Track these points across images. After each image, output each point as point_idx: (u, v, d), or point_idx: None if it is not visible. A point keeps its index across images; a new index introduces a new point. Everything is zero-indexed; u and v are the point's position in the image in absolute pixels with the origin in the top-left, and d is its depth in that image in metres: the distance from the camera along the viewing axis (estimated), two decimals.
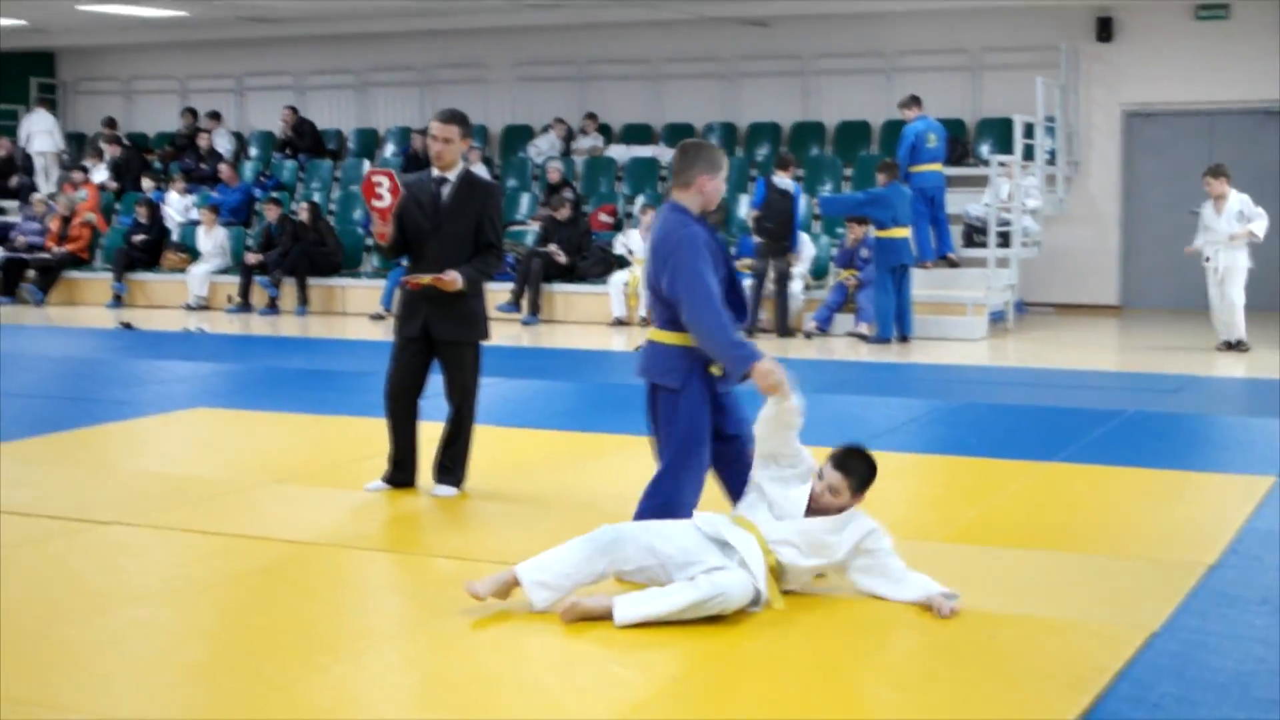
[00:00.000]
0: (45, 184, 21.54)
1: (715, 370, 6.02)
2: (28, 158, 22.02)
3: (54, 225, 19.77)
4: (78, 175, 20.72)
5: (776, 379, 5.79)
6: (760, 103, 19.23)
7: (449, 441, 7.65)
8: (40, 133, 21.80)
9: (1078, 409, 10.43)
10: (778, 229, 15.27)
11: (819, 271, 16.37)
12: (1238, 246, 13.75)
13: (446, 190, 7.53)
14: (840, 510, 5.74)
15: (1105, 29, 17.71)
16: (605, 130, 19.73)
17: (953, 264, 16.24)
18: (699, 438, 6.06)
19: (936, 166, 15.81)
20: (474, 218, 7.52)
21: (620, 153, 19.28)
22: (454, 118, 7.56)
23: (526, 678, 4.91)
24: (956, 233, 16.75)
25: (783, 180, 15.37)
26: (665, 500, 6.04)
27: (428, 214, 7.51)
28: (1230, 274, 13.73)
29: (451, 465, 7.65)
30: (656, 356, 6.12)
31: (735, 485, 6.12)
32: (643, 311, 16.45)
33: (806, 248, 16.17)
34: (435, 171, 7.58)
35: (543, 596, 5.47)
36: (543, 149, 19.63)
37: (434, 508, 7.44)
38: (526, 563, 5.55)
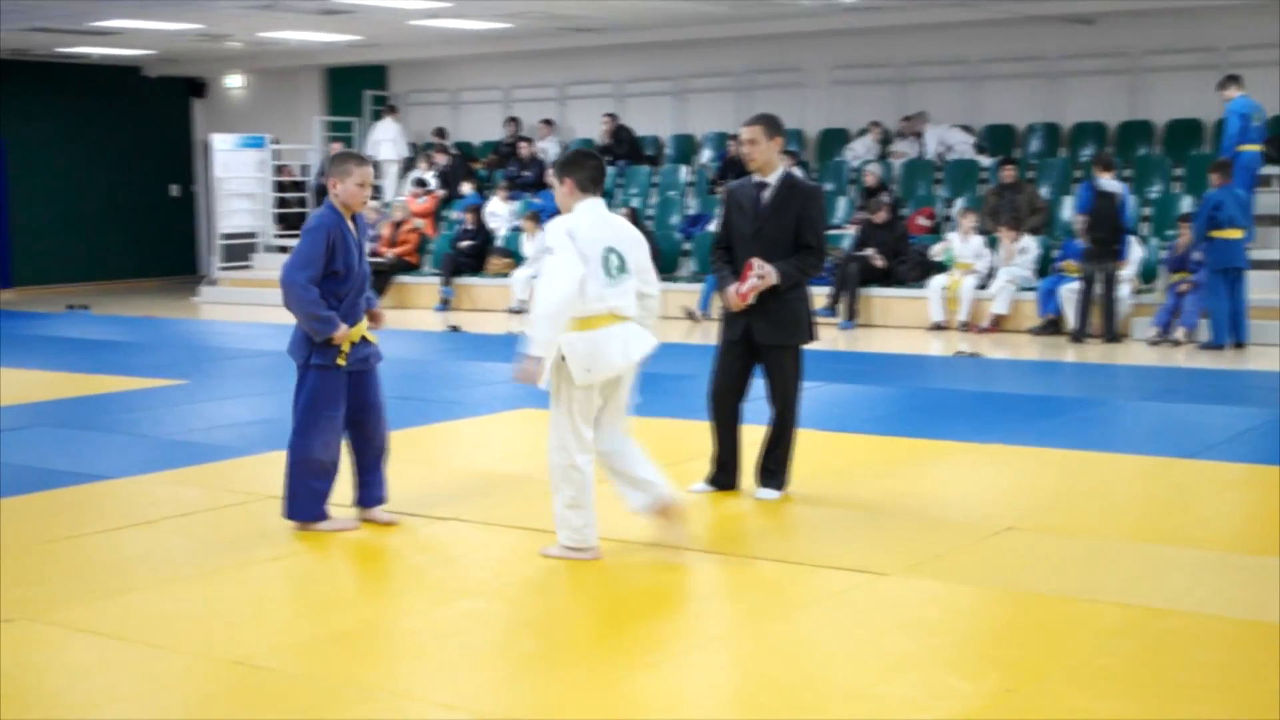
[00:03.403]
0: (390, 191, 22.45)
1: (340, 360, 6.82)
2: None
3: (386, 231, 20.58)
4: (418, 187, 21.51)
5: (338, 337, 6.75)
6: (1085, 102, 18.68)
7: (771, 445, 7.66)
8: (385, 141, 22.76)
9: None
10: (1109, 234, 14.83)
11: (1147, 274, 15.83)
12: None
13: (767, 194, 7.55)
14: None
15: None
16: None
17: None
18: (322, 403, 6.83)
19: (1258, 147, 15.14)
20: (793, 220, 7.50)
21: (935, 144, 18.98)
22: (757, 119, 7.59)
23: (856, 684, 4.87)
24: None
25: (1109, 183, 14.92)
26: (299, 457, 6.87)
27: (749, 218, 7.55)
28: None
29: (774, 469, 7.66)
30: (299, 338, 6.89)
31: (362, 459, 7.06)
32: (963, 316, 16.20)
33: (1134, 250, 15.65)
34: (758, 176, 7.61)
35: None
36: (859, 152, 19.49)
37: (756, 511, 7.47)
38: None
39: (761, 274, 7.35)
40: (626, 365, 6.37)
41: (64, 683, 5.01)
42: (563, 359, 6.27)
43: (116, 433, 9.87)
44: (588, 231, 6.28)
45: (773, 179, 7.55)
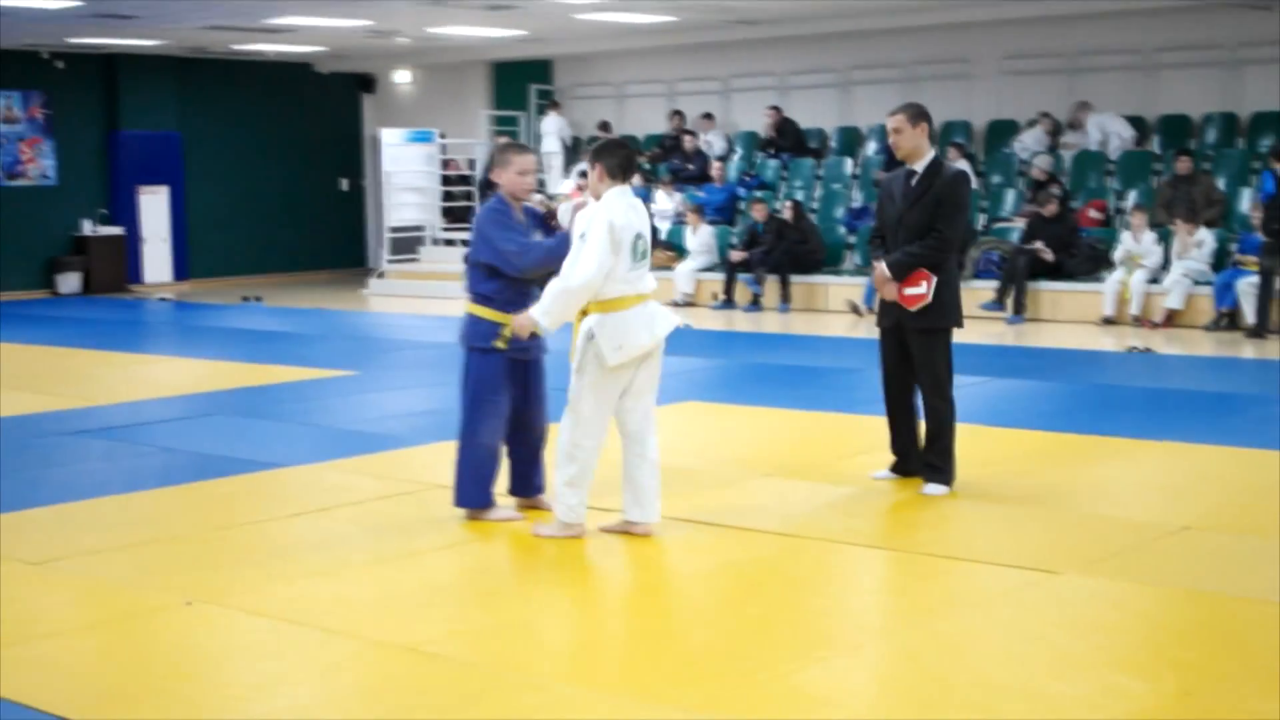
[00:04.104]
0: (555, 184, 22.64)
1: (499, 343, 6.89)
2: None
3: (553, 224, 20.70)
4: (582, 178, 21.66)
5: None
6: (1264, 90, 18.11)
7: (932, 438, 7.60)
8: (549, 135, 22.98)
9: None
10: None
11: None
12: None
13: (913, 181, 7.57)
14: None
15: None
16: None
17: None
18: (485, 388, 6.93)
19: None
20: (933, 206, 7.48)
21: (1111, 144, 18.59)
22: (901, 107, 7.69)
23: (1028, 683, 4.80)
24: None
25: None
26: (466, 442, 6.97)
27: (897, 206, 7.63)
28: None
29: (938, 463, 7.57)
30: (466, 324, 7.01)
31: (522, 449, 7.13)
32: (1135, 310, 15.86)
33: None
34: (908, 164, 7.63)
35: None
36: (1028, 144, 19.16)
37: (923, 505, 7.39)
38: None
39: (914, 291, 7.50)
40: (653, 343, 6.62)
41: (242, 664, 5.15)
42: (592, 338, 6.52)
43: (291, 421, 10.10)
44: (623, 219, 6.57)
45: (919, 166, 7.58)
